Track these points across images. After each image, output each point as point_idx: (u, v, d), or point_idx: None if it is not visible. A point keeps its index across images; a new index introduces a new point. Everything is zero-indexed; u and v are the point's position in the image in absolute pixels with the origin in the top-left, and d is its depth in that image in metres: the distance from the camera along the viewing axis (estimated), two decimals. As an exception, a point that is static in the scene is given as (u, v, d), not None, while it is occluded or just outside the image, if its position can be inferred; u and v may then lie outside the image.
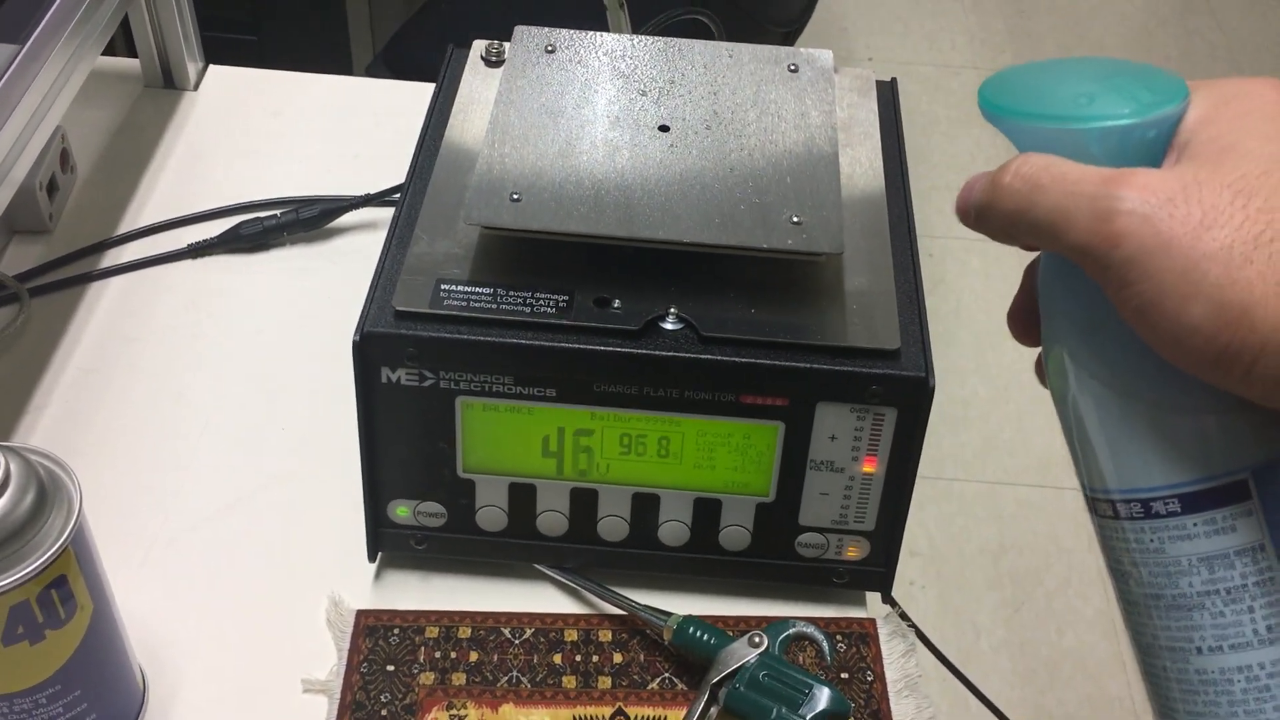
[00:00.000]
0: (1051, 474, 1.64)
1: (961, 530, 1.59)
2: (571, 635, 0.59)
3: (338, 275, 0.76)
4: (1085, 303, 0.32)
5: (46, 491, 0.46)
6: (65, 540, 0.46)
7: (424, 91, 0.90)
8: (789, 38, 1.36)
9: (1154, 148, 0.31)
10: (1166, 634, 0.30)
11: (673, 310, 0.55)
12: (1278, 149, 0.30)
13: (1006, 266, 1.99)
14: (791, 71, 0.64)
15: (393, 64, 1.33)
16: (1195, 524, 0.29)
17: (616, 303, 0.55)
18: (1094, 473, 0.32)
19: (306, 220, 0.77)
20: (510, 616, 0.60)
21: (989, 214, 0.34)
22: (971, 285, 1.93)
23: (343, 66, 1.57)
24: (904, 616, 0.61)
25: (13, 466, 0.45)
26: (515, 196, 0.56)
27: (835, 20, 2.43)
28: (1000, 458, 1.68)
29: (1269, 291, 0.27)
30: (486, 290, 0.55)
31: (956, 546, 1.58)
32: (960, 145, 2.15)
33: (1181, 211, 0.29)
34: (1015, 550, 1.57)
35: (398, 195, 0.80)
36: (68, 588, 0.47)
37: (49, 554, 0.45)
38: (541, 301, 0.55)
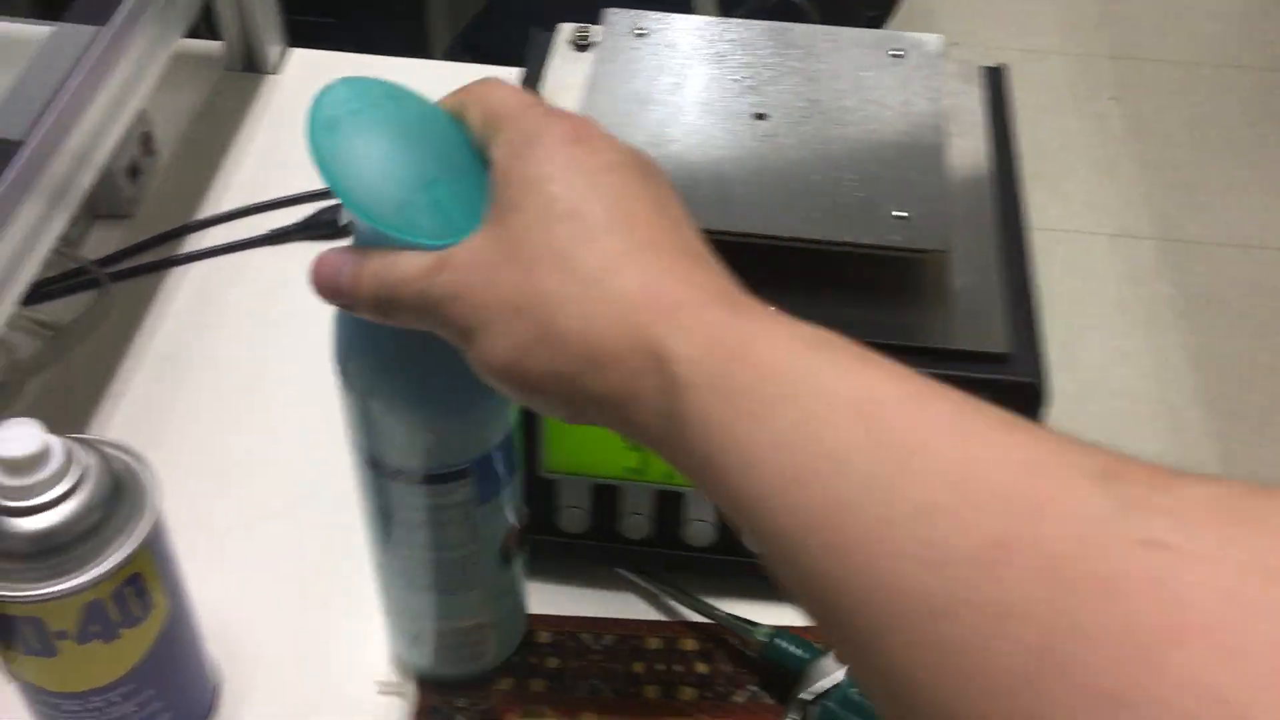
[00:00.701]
0: (1140, 475, 1.58)
1: (1045, 531, 1.54)
2: (654, 643, 0.57)
3: (417, 263, 0.75)
4: (380, 347, 0.43)
5: (123, 487, 0.45)
6: (142, 538, 0.45)
7: (507, 76, 0.89)
8: (876, 21, 1.32)
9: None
10: (410, 543, 0.49)
11: (769, 308, 0.52)
12: (555, 196, 0.35)
13: (1094, 258, 1.93)
14: (895, 57, 0.61)
15: (473, 47, 1.32)
16: (434, 489, 0.46)
17: (708, 299, 0.53)
18: (367, 446, 0.46)
19: (387, 207, 0.76)
20: (590, 621, 0.58)
21: (357, 310, 0.39)
22: (1058, 279, 1.87)
23: (420, 47, 1.56)
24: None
25: (90, 461, 0.44)
26: (604, 187, 0.53)
27: (921, 1, 2.38)
28: (1087, 457, 1.62)
29: (529, 342, 0.34)
30: (573, 284, 0.53)
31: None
32: (1047, 132, 2.09)
33: (479, 278, 0.35)
34: (1101, 553, 1.52)
35: (479, 182, 0.78)
36: (143, 585, 0.46)
37: (125, 552, 0.44)
38: (630, 297, 0.53)
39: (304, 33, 0.91)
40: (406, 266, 0.37)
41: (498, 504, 0.49)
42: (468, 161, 0.39)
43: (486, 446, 0.46)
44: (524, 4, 1.33)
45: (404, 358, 0.42)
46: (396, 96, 0.40)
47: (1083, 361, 1.72)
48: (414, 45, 1.56)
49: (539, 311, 0.34)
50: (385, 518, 0.49)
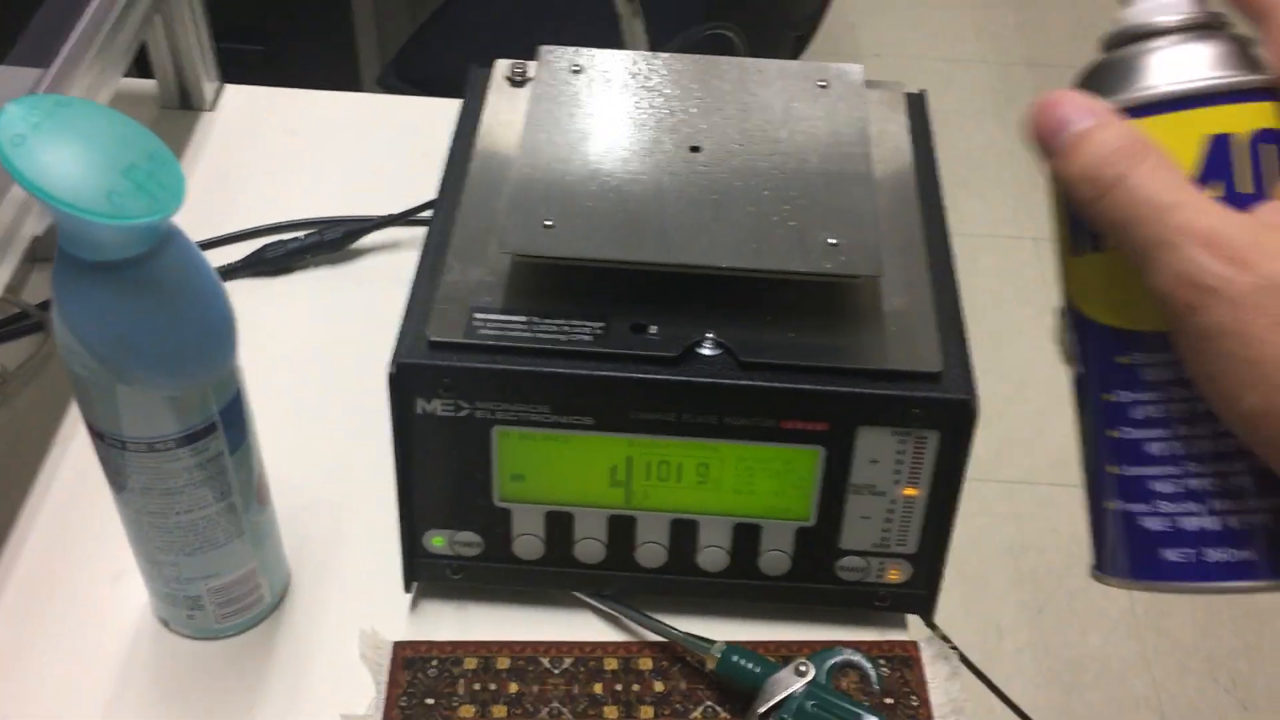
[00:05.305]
0: (1070, 472, 1.62)
1: (982, 529, 1.59)
2: (612, 664, 0.59)
3: (363, 297, 0.76)
4: (117, 325, 0.46)
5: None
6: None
7: (439, 107, 0.90)
8: (802, 41, 1.36)
9: (161, 229, 0.46)
10: (166, 512, 0.52)
11: (710, 335, 0.54)
12: None
13: (1019, 261, 1.98)
14: (821, 87, 0.63)
15: (405, 74, 1.33)
16: (186, 452, 0.50)
17: (653, 328, 0.55)
18: (106, 421, 0.49)
19: (330, 242, 0.77)
20: (549, 646, 0.59)
21: (1061, 171, 0.36)
22: (984, 283, 1.92)
23: (350, 75, 1.56)
24: (945, 639, 0.60)
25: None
26: (548, 223, 0.55)
27: (842, 15, 2.42)
28: (1018, 456, 1.67)
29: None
30: (521, 319, 0.55)
31: (976, 546, 1.57)
32: (972, 141, 2.14)
33: (1267, 303, 0.31)
34: (1036, 550, 1.57)
35: (421, 214, 0.79)
36: None
37: None
38: (577, 329, 0.54)
39: (230, 60, 0.91)
40: (1171, 181, 0.33)
41: (246, 449, 0.54)
42: (151, 146, 0.45)
43: (226, 397, 0.51)
44: (456, 32, 1.34)
45: (142, 330, 0.47)
46: (66, 104, 0.44)
47: (1009, 361, 1.76)
48: (342, 72, 1.57)
49: None
50: (150, 493, 0.52)
